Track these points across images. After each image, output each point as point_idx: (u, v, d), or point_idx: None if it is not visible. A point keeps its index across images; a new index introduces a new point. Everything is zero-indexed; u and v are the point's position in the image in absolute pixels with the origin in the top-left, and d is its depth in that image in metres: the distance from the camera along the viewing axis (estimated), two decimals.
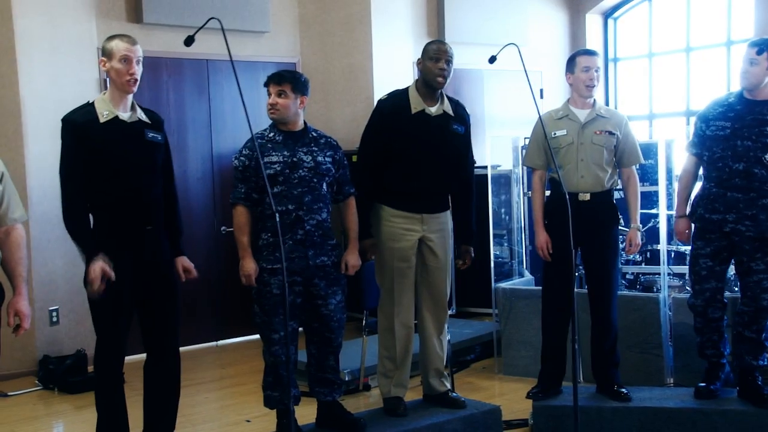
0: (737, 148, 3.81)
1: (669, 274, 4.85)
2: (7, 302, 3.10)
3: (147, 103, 3.63)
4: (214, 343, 6.26)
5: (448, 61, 3.79)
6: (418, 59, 3.89)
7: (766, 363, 3.99)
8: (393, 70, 6.61)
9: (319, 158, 3.66)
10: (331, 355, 3.78)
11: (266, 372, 3.72)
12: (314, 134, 3.74)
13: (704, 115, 4.01)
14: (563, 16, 8.13)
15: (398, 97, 3.89)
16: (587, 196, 4.00)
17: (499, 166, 6.15)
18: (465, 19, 7.10)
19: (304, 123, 3.73)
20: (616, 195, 4.26)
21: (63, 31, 5.46)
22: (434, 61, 3.78)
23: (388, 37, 6.65)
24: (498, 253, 6.02)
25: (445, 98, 3.92)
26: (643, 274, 5.21)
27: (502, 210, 6.18)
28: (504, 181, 6.09)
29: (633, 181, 4.16)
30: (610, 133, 4.06)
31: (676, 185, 4.32)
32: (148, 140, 3.40)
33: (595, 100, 4.13)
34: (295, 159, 3.61)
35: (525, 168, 5.48)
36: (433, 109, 3.86)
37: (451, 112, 3.90)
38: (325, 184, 3.68)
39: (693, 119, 4.26)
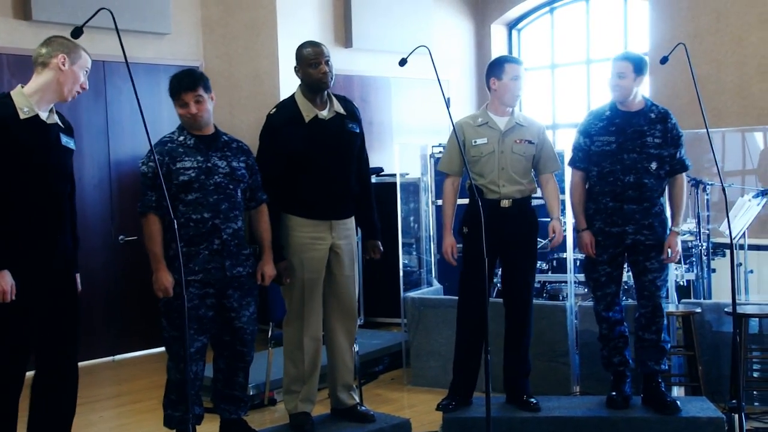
0: (625, 161, 3.91)
1: (575, 282, 4.90)
2: None
3: None
4: (110, 358, 5.97)
5: (327, 62, 3.70)
6: (296, 67, 3.77)
7: (667, 368, 4.07)
8: None
9: (234, 163, 3.54)
10: (241, 372, 3.65)
11: (169, 389, 3.54)
12: (225, 138, 3.60)
13: (586, 130, 4.05)
14: (469, 26, 8.19)
15: (287, 108, 3.77)
16: (508, 203, 3.99)
17: (407, 174, 6.11)
18: (372, 26, 7.04)
19: (214, 126, 3.59)
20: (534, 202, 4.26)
21: None
22: (314, 66, 3.68)
23: (295, 42, 6.34)
24: (407, 261, 5.97)
25: (333, 98, 3.82)
26: (549, 282, 5.25)
27: (411, 218, 6.14)
28: (413, 189, 6.05)
29: (552, 184, 4.16)
30: (530, 142, 4.07)
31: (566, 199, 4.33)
32: (63, 145, 3.19)
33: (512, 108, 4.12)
34: (209, 164, 3.46)
35: (434, 176, 5.46)
36: (326, 113, 3.76)
37: (343, 111, 3.82)
38: (239, 191, 3.55)
39: None
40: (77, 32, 2.93)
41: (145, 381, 5.34)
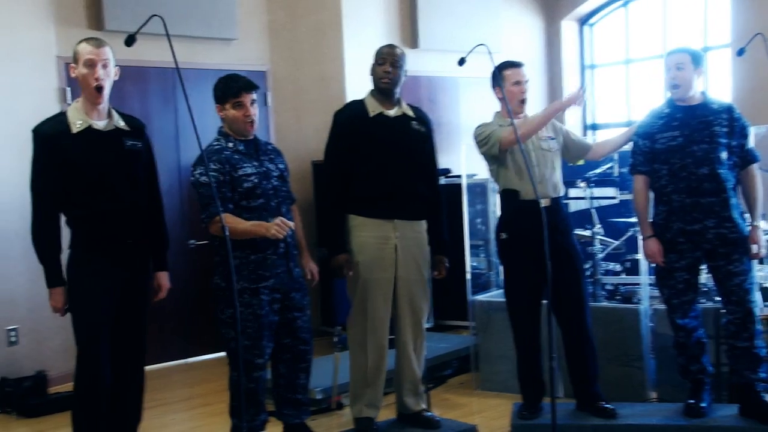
0: (696, 153, 3.74)
1: (650, 285, 4.71)
2: None
3: None
4: (182, 361, 6.05)
5: (394, 64, 3.71)
6: (371, 64, 3.80)
7: (766, 376, 3.82)
8: (365, 78, 6.39)
9: (280, 165, 3.59)
10: (302, 373, 3.62)
11: (234, 398, 3.52)
12: (263, 141, 3.64)
13: (646, 131, 3.91)
14: (539, 23, 8.02)
15: (354, 105, 3.84)
16: (547, 203, 3.85)
17: (474, 175, 6.00)
18: (439, 27, 6.97)
19: None
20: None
21: (19, 38, 5.25)
22: (381, 64, 3.71)
23: (360, 44, 6.50)
24: (475, 264, 5.86)
25: (404, 103, 3.84)
26: (623, 284, 5.07)
27: (478, 220, 6.03)
28: (479, 190, 5.94)
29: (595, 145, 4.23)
30: (551, 138, 4.01)
31: None
32: (126, 149, 3.24)
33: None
34: (264, 168, 3.47)
35: None
36: (392, 112, 3.77)
37: (410, 114, 3.82)
38: (288, 192, 3.59)
39: None
40: (130, 40, 2.98)
41: (216, 384, 5.38)
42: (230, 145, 3.46)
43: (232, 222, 3.27)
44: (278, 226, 3.28)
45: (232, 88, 3.42)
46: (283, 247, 3.45)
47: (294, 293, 3.52)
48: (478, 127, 4.04)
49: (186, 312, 6.03)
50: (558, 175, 3.99)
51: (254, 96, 3.45)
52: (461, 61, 3.63)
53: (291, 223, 3.37)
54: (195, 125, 2.88)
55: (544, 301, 4.04)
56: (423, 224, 3.84)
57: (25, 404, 4.90)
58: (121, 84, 5.71)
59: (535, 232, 3.46)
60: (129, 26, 5.41)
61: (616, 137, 4.23)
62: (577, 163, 4.48)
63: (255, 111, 3.45)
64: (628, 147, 4.14)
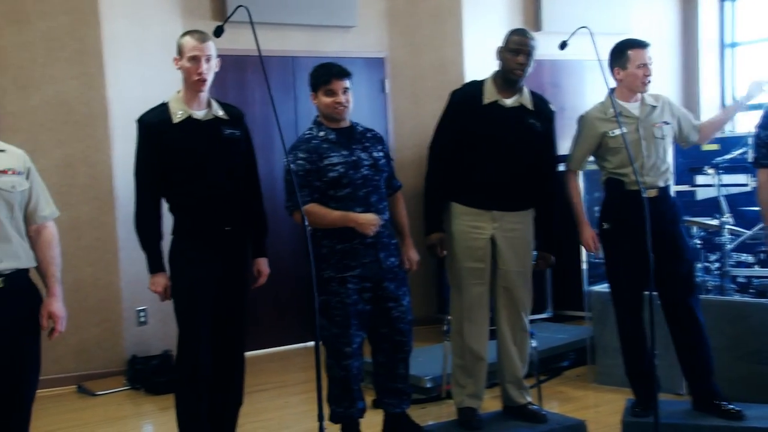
0: None
1: None
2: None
3: (232, 102, 3.56)
4: (302, 345, 6.16)
5: (528, 54, 3.54)
6: (499, 47, 3.64)
7: None
8: (485, 63, 6.26)
9: (375, 154, 3.49)
10: (401, 363, 3.58)
11: (332, 385, 3.55)
12: (361, 129, 3.55)
13: None
14: (672, 1, 7.59)
15: (471, 88, 3.70)
16: (654, 192, 3.65)
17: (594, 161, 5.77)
18: (564, 8, 6.71)
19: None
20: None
21: (150, 32, 5.50)
22: (513, 53, 3.54)
23: (480, 28, 6.39)
24: (593, 253, 5.63)
25: (525, 91, 3.65)
26: (756, 277, 4.73)
27: (596, 208, 5.76)
28: (598, 177, 5.67)
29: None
30: (666, 122, 3.77)
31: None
32: (225, 137, 3.29)
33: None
34: (354, 158, 3.41)
35: None
36: (509, 101, 3.61)
37: (529, 106, 3.64)
38: (383, 181, 3.51)
39: None
40: (219, 31, 3.03)
41: None
42: (321, 134, 3.44)
43: (321, 212, 3.31)
44: (374, 227, 3.31)
45: (323, 75, 3.40)
46: (372, 237, 3.39)
47: (387, 283, 3.46)
48: (578, 120, 3.90)
49: (305, 296, 6.13)
50: (668, 163, 3.77)
51: (347, 84, 3.40)
52: (563, 45, 3.48)
53: (380, 221, 3.36)
54: (276, 114, 2.89)
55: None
56: (527, 214, 3.72)
57: (152, 381, 5.14)
58: (243, 74, 5.93)
59: (639, 223, 3.27)
60: (247, 17, 5.62)
61: (716, 116, 4.01)
62: (704, 148, 4.21)
63: (347, 98, 3.40)
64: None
